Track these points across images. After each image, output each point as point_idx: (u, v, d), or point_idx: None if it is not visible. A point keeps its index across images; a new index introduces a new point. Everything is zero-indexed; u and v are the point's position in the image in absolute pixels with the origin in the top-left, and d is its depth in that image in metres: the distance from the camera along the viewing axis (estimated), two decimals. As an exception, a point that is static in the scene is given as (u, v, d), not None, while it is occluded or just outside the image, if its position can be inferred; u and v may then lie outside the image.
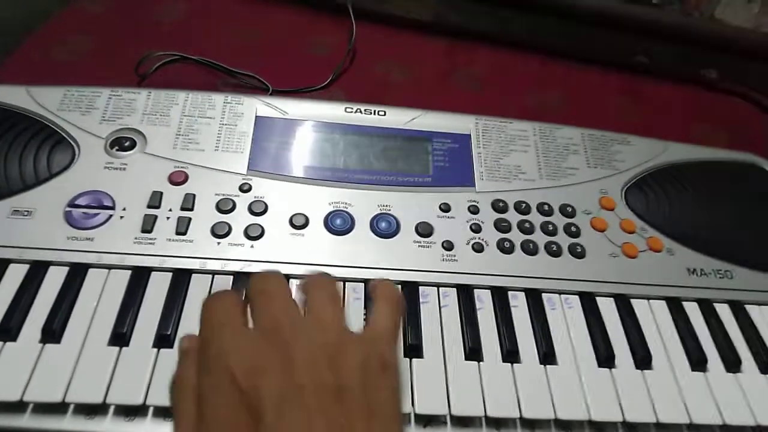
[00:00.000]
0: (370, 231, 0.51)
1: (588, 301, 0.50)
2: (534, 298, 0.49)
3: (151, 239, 0.47)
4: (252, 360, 0.32)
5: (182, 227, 0.48)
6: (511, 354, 0.46)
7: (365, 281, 0.48)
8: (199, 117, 0.55)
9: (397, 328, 0.37)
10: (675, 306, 0.51)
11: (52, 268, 0.45)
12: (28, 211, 0.47)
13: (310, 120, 0.57)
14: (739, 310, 0.52)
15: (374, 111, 0.59)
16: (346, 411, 0.31)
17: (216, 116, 0.56)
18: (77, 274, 0.45)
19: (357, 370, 0.32)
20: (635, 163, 0.59)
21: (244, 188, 0.51)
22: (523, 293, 0.50)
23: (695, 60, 0.85)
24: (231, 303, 0.36)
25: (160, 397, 0.40)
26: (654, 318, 0.50)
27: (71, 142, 0.52)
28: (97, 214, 0.48)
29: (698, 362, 0.47)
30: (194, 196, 0.50)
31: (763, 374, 0.48)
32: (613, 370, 0.46)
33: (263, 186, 0.52)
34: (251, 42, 0.75)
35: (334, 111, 0.58)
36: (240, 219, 0.50)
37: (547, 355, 0.46)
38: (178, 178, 0.51)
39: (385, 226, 0.51)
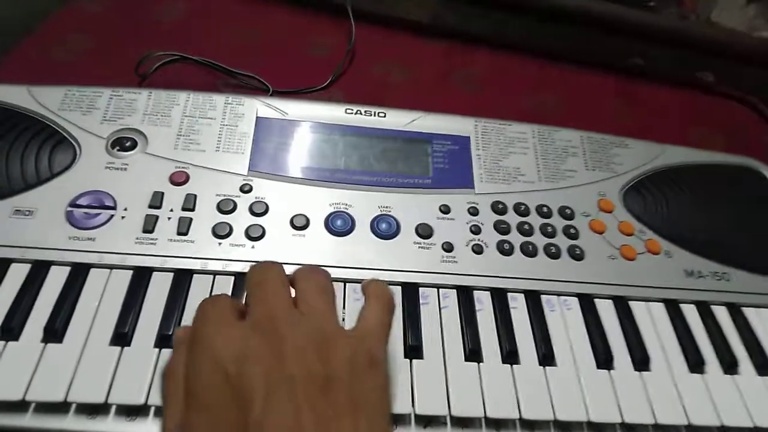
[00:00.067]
0: (370, 232, 0.51)
1: (587, 303, 0.50)
2: (533, 299, 0.50)
3: (152, 239, 0.47)
4: (241, 348, 0.32)
5: (183, 227, 0.48)
6: (510, 355, 0.46)
7: (365, 282, 0.48)
8: (200, 117, 0.55)
9: (386, 326, 0.38)
10: (673, 308, 0.51)
11: (53, 268, 0.46)
12: (29, 210, 0.47)
13: (310, 121, 0.57)
14: (736, 312, 0.52)
15: (374, 112, 0.59)
16: (333, 403, 0.31)
17: (217, 117, 0.56)
18: (79, 274, 0.45)
19: (345, 364, 0.33)
20: (633, 165, 0.60)
21: (245, 189, 0.52)
22: (522, 295, 0.50)
23: (691, 63, 0.85)
24: (225, 301, 0.36)
25: (162, 397, 0.40)
26: (652, 320, 0.50)
27: (72, 141, 0.52)
28: (99, 214, 0.48)
29: (696, 364, 0.48)
30: (195, 196, 0.50)
31: (760, 376, 0.48)
32: (611, 371, 0.46)
33: (264, 187, 0.52)
34: (251, 42, 0.75)
35: (335, 112, 0.58)
36: (241, 219, 0.50)
37: (546, 357, 0.46)
38: (179, 179, 0.51)
39: (385, 228, 0.51)
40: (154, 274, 0.46)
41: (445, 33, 0.83)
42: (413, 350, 0.45)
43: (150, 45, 0.68)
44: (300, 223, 0.50)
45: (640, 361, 0.47)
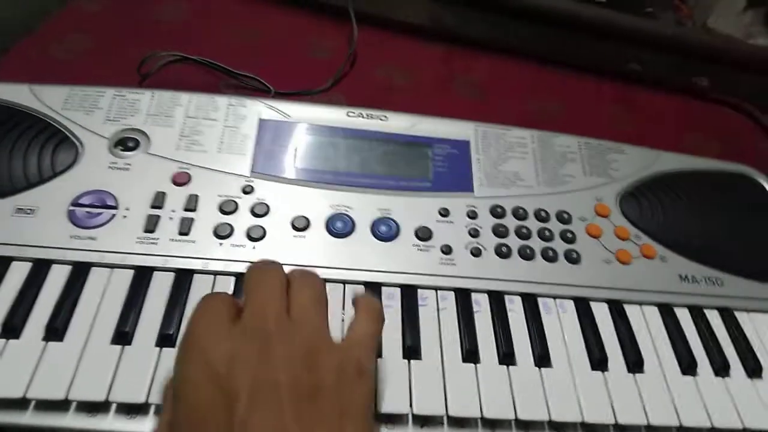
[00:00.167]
0: (370, 234, 0.51)
1: (582, 306, 0.51)
2: (530, 302, 0.50)
3: (153, 239, 0.48)
4: (230, 351, 0.33)
5: (185, 228, 0.49)
6: (507, 357, 0.46)
7: (365, 284, 0.49)
8: (202, 118, 0.56)
9: (375, 336, 0.39)
10: (666, 312, 0.52)
11: (54, 267, 0.46)
12: (31, 209, 0.48)
13: (312, 123, 0.58)
14: (728, 316, 0.53)
15: (376, 116, 0.59)
16: (318, 409, 0.32)
17: (219, 118, 0.56)
18: (80, 272, 0.46)
19: (333, 372, 0.34)
20: (629, 171, 0.61)
21: (247, 190, 0.52)
22: (519, 297, 0.50)
23: (688, 69, 0.86)
24: (222, 301, 0.37)
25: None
26: (646, 323, 0.51)
27: (75, 141, 0.52)
28: (101, 213, 0.48)
29: (688, 367, 0.49)
30: (197, 197, 0.51)
31: (751, 379, 0.49)
32: (605, 373, 0.47)
33: (265, 188, 0.52)
34: (252, 43, 0.75)
35: (337, 115, 0.59)
36: (242, 220, 0.50)
37: (542, 358, 0.47)
38: (181, 179, 0.51)
39: (385, 230, 0.52)
40: (156, 273, 0.47)
41: (444, 36, 0.83)
42: (411, 351, 0.45)
43: (150, 45, 0.68)
44: (301, 225, 0.51)
45: (634, 363, 0.48)
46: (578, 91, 0.83)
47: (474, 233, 0.53)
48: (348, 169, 0.55)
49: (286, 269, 0.46)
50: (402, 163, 0.57)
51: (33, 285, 0.44)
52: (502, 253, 0.52)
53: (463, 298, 0.49)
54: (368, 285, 0.49)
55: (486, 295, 0.50)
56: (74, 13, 0.74)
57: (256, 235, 0.49)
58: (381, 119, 0.59)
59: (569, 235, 0.54)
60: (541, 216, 0.56)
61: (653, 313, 0.52)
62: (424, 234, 0.52)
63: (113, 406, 0.40)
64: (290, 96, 0.69)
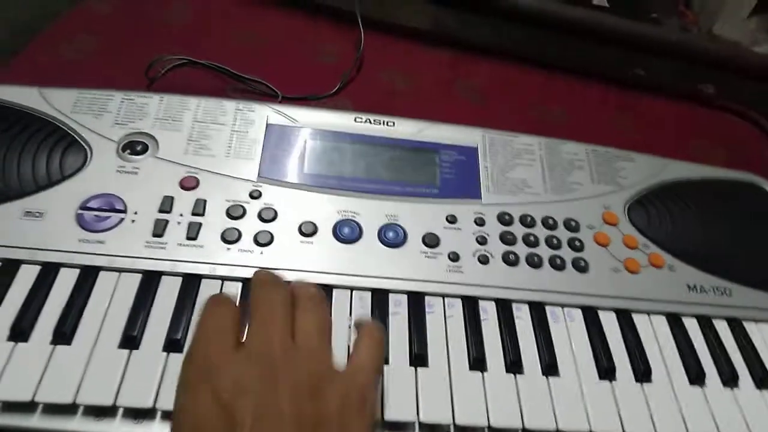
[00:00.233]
0: (377, 240, 0.51)
1: (590, 315, 0.51)
2: (537, 310, 0.50)
3: (161, 243, 0.48)
4: (236, 378, 0.33)
5: (193, 232, 0.49)
6: (514, 365, 0.46)
7: (372, 290, 0.49)
8: (210, 123, 0.56)
9: (378, 365, 0.39)
10: (675, 321, 0.52)
11: (63, 270, 0.46)
12: (39, 212, 0.48)
13: (320, 129, 0.58)
14: (736, 326, 0.53)
15: (383, 121, 0.59)
16: None
17: (227, 123, 0.56)
18: (88, 276, 0.46)
19: (337, 403, 0.34)
20: (637, 179, 0.60)
21: (255, 195, 0.52)
22: (527, 306, 0.50)
23: (693, 76, 0.86)
24: (225, 317, 0.37)
25: (170, 400, 0.40)
26: (654, 333, 0.51)
27: (83, 144, 0.52)
28: (109, 217, 0.48)
29: (696, 377, 0.48)
30: (205, 201, 0.51)
31: (759, 390, 0.49)
32: (613, 382, 0.47)
33: (273, 193, 0.52)
34: (259, 47, 0.75)
35: (344, 120, 0.59)
36: (250, 225, 0.50)
37: (550, 367, 0.47)
38: (189, 184, 0.51)
39: (392, 236, 0.52)
40: (163, 278, 0.47)
41: (448, 41, 0.83)
42: (418, 358, 0.45)
43: (159, 48, 0.68)
44: (308, 230, 0.51)
45: (642, 372, 0.48)
46: (583, 97, 0.83)
47: (481, 240, 0.53)
48: (355, 175, 0.55)
49: (295, 275, 0.47)
50: (409, 169, 0.57)
51: (41, 288, 0.44)
52: (510, 260, 0.52)
53: (470, 305, 0.49)
54: (375, 291, 0.49)
55: (493, 302, 0.50)
56: (83, 14, 0.74)
57: (263, 241, 0.49)
58: (388, 125, 0.59)
59: (577, 243, 0.54)
60: (549, 224, 0.55)
61: (661, 323, 0.52)
62: (431, 241, 0.52)
63: (120, 411, 0.40)
64: (297, 101, 0.69)
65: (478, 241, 0.53)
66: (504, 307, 0.50)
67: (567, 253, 0.54)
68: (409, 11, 0.83)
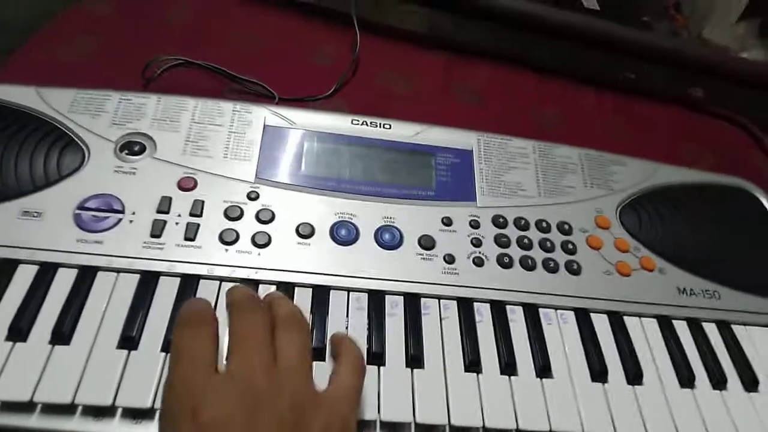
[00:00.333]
0: (374, 242, 0.52)
1: (583, 317, 0.52)
2: (531, 312, 0.51)
3: (159, 244, 0.48)
4: (219, 409, 0.34)
5: (191, 233, 0.49)
6: (508, 367, 0.47)
7: (369, 291, 0.49)
8: (208, 124, 0.56)
9: (358, 390, 0.40)
10: (665, 324, 0.53)
11: (61, 270, 0.46)
12: (37, 212, 0.48)
13: (317, 131, 0.58)
14: (725, 329, 0.54)
15: (380, 124, 0.60)
16: None
17: (225, 124, 0.56)
18: (86, 276, 0.46)
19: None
20: (629, 184, 0.61)
21: (252, 196, 0.52)
22: (520, 308, 0.51)
23: (682, 80, 0.87)
24: (204, 339, 0.38)
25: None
26: (645, 335, 0.52)
27: (81, 144, 0.52)
28: (107, 217, 0.49)
29: (686, 380, 0.49)
30: (203, 202, 0.51)
31: (747, 392, 0.50)
32: (605, 384, 0.48)
33: (270, 194, 0.53)
34: (256, 49, 0.75)
35: (341, 123, 0.59)
36: (247, 226, 0.50)
37: (543, 369, 0.47)
38: (187, 184, 0.52)
39: (388, 238, 0.52)
40: (161, 278, 0.47)
41: (444, 44, 0.84)
42: (414, 360, 0.46)
43: (156, 48, 0.68)
44: (305, 232, 0.51)
45: (633, 375, 0.49)
46: (576, 101, 0.83)
47: (476, 243, 0.54)
48: (352, 177, 0.56)
49: (292, 276, 0.48)
50: (405, 172, 0.57)
51: (39, 288, 0.44)
52: (504, 263, 0.53)
53: (465, 307, 0.50)
54: (372, 293, 0.49)
55: (488, 304, 0.51)
56: (81, 14, 0.74)
57: (261, 242, 0.50)
58: (385, 127, 0.60)
59: (570, 246, 0.55)
60: (542, 227, 0.56)
61: (652, 326, 0.53)
62: (427, 243, 0.53)
63: (119, 411, 0.40)
64: (293, 102, 0.69)
65: (473, 244, 0.53)
66: (498, 309, 0.50)
67: (560, 256, 0.54)
68: (404, 14, 0.84)
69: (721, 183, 0.66)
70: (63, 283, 0.45)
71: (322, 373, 0.40)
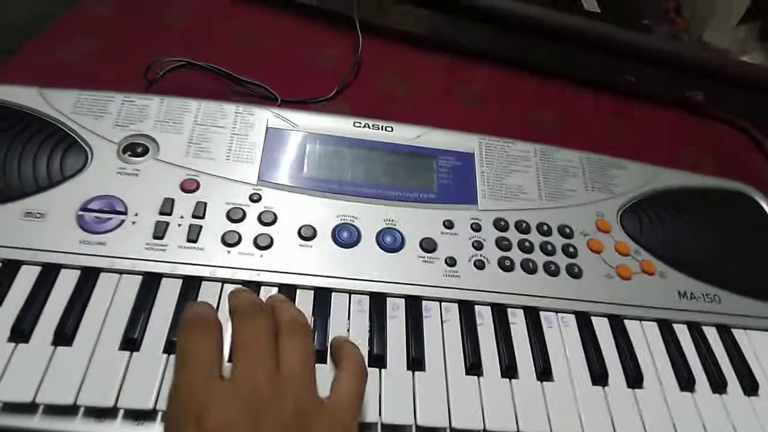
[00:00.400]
0: (375, 245, 0.52)
1: (583, 321, 0.52)
2: (532, 315, 0.51)
3: (162, 246, 0.48)
4: (224, 416, 0.34)
5: (193, 235, 0.49)
6: (509, 370, 0.47)
7: (370, 294, 0.49)
8: (210, 126, 0.56)
9: (360, 397, 0.40)
10: (666, 328, 0.53)
11: (63, 271, 0.46)
12: (40, 213, 0.48)
13: (319, 133, 0.58)
14: (726, 333, 0.54)
15: (382, 126, 0.60)
16: None
17: (227, 126, 0.56)
18: (89, 278, 0.46)
19: None
20: (630, 187, 0.62)
21: (254, 198, 0.52)
22: (521, 311, 0.51)
23: (683, 83, 0.87)
24: (207, 342, 0.38)
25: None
26: (646, 339, 0.52)
27: (84, 145, 0.52)
28: (110, 218, 0.49)
29: (687, 383, 0.49)
30: (205, 204, 0.51)
31: (747, 396, 0.50)
32: (606, 388, 0.48)
33: (273, 196, 0.53)
34: (258, 50, 0.76)
35: (343, 125, 0.59)
36: (250, 228, 0.51)
37: (544, 372, 0.48)
38: (189, 186, 0.52)
39: (390, 241, 0.52)
40: (164, 280, 0.47)
41: (445, 46, 0.84)
42: (416, 362, 0.46)
43: (158, 50, 0.68)
44: (307, 234, 0.51)
45: (634, 378, 0.49)
46: (575, 103, 0.84)
47: (478, 246, 0.54)
48: (354, 179, 0.56)
49: (296, 279, 0.48)
50: (407, 174, 0.57)
51: (42, 289, 0.45)
52: (505, 266, 0.53)
53: (466, 310, 0.50)
54: (373, 295, 0.49)
55: (489, 307, 0.51)
56: (82, 15, 0.74)
57: (263, 244, 0.50)
58: (387, 130, 0.60)
59: (571, 249, 0.55)
60: (544, 230, 0.56)
61: (653, 329, 0.53)
62: (428, 246, 0.53)
63: (121, 412, 0.41)
64: (296, 104, 0.69)
65: (474, 247, 0.54)
66: (499, 312, 0.50)
67: (561, 260, 0.55)
68: (405, 16, 0.84)
69: (722, 187, 0.66)
70: (65, 285, 0.45)
71: (323, 376, 0.41)
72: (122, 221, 0.49)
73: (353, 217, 0.53)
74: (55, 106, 0.54)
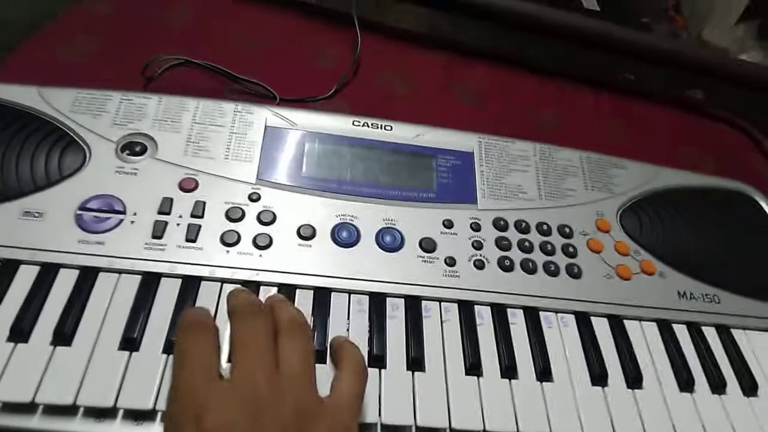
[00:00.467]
0: (375, 244, 0.52)
1: (583, 321, 0.52)
2: (532, 316, 0.51)
3: (161, 245, 0.48)
4: (225, 417, 0.34)
5: (192, 234, 0.49)
6: (509, 370, 0.47)
7: (370, 294, 0.49)
8: (209, 124, 0.56)
9: (360, 397, 0.40)
10: (665, 328, 0.53)
11: (62, 271, 0.46)
12: (39, 213, 0.48)
13: (318, 132, 0.58)
14: (725, 333, 0.54)
15: (381, 125, 0.60)
16: None
17: (226, 124, 0.56)
18: (88, 277, 0.46)
19: None
20: (630, 187, 0.61)
21: (253, 197, 0.52)
22: (521, 311, 0.51)
23: (682, 81, 0.87)
24: (206, 344, 0.38)
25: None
26: (645, 339, 0.52)
27: (82, 144, 0.52)
28: (108, 218, 0.48)
29: (686, 384, 0.49)
30: (204, 203, 0.51)
31: (746, 397, 0.50)
32: (605, 388, 0.48)
33: (272, 196, 0.53)
34: (256, 49, 0.75)
35: (342, 124, 0.59)
36: (249, 228, 0.50)
37: (544, 372, 0.48)
38: (188, 185, 0.52)
39: (389, 240, 0.52)
40: (163, 279, 0.47)
41: (444, 45, 0.84)
42: (415, 363, 0.46)
43: (157, 48, 0.68)
44: (306, 234, 0.51)
45: (633, 379, 0.49)
46: (574, 102, 0.84)
47: (477, 245, 0.54)
48: (353, 179, 0.56)
49: (295, 279, 0.48)
50: (407, 174, 0.57)
51: (41, 289, 0.44)
52: (505, 266, 0.53)
53: (466, 310, 0.50)
54: (373, 295, 0.49)
55: (489, 307, 0.51)
56: (81, 14, 0.74)
57: (262, 243, 0.50)
58: (386, 129, 0.60)
59: (571, 249, 0.55)
60: (543, 230, 0.56)
61: (652, 329, 0.53)
62: (428, 245, 0.53)
63: (120, 412, 0.40)
64: (294, 103, 0.69)
65: (474, 246, 0.54)
66: (499, 313, 0.50)
67: (561, 259, 0.54)
68: (404, 14, 0.84)
69: (722, 187, 0.66)
70: (64, 284, 0.45)
71: (323, 376, 0.40)
72: (121, 221, 0.49)
73: (352, 216, 0.53)
74: (53, 105, 0.54)
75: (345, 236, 0.52)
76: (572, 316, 0.52)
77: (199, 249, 0.48)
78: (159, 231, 0.49)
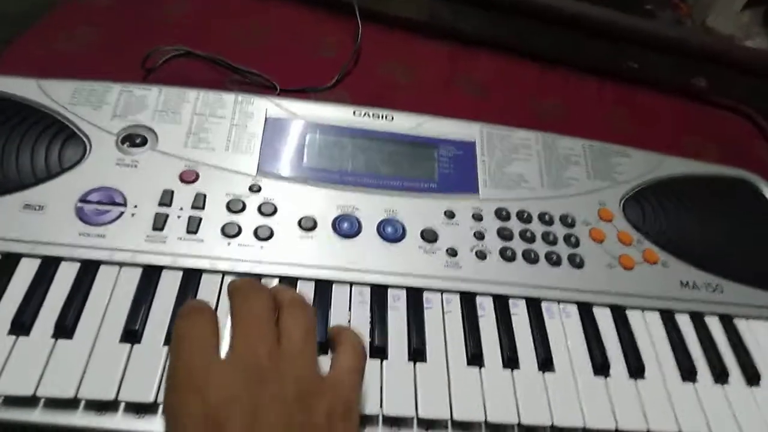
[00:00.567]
0: (376, 235, 0.52)
1: (585, 311, 0.51)
2: (534, 306, 0.51)
3: (162, 237, 0.48)
4: (224, 388, 0.33)
5: (193, 226, 0.49)
6: (511, 361, 0.47)
7: (371, 285, 0.49)
8: (210, 116, 0.56)
9: (360, 373, 0.39)
10: (668, 317, 0.53)
11: (63, 264, 0.46)
12: (39, 205, 0.48)
13: (319, 122, 0.58)
14: (728, 323, 0.54)
15: (382, 115, 0.59)
16: None
17: (227, 116, 0.56)
18: (89, 270, 0.46)
19: (323, 415, 0.35)
20: (633, 175, 0.61)
21: (254, 189, 0.52)
22: (523, 301, 0.51)
23: (686, 69, 0.86)
24: (205, 325, 0.37)
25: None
26: (647, 329, 0.52)
27: (82, 137, 0.52)
28: (109, 210, 0.48)
29: (688, 373, 0.49)
30: (205, 195, 0.51)
31: (749, 386, 0.50)
32: (607, 378, 0.48)
33: (273, 187, 0.53)
34: (257, 39, 0.75)
35: (343, 114, 0.59)
36: (250, 220, 0.50)
37: (546, 363, 0.47)
38: (189, 177, 0.51)
39: (391, 231, 0.52)
40: (164, 272, 0.47)
41: (446, 34, 0.83)
42: (417, 353, 0.46)
43: (157, 40, 0.68)
44: (308, 225, 0.51)
45: (636, 369, 0.49)
46: (578, 91, 0.83)
47: (479, 236, 0.53)
48: (354, 169, 0.56)
49: (295, 270, 0.48)
50: (408, 164, 0.57)
51: (42, 282, 0.44)
52: (507, 256, 0.53)
53: (468, 301, 0.50)
54: (374, 287, 0.49)
55: (491, 298, 0.50)
56: (80, 5, 0.73)
57: (263, 235, 0.50)
58: (387, 119, 0.60)
59: (573, 239, 0.55)
60: (545, 219, 0.56)
61: (655, 319, 0.52)
62: (429, 236, 0.52)
63: (122, 405, 0.41)
64: (295, 93, 0.69)
65: (475, 237, 0.53)
66: (501, 303, 0.50)
67: (563, 249, 0.54)
68: (405, 3, 0.83)
69: (726, 175, 0.65)
70: (65, 277, 0.45)
71: (324, 365, 0.40)
72: (121, 213, 0.48)
73: (354, 207, 0.53)
74: (53, 97, 0.54)
75: (346, 227, 0.52)
76: (574, 306, 0.52)
77: (200, 241, 0.48)
78: (160, 223, 0.48)
